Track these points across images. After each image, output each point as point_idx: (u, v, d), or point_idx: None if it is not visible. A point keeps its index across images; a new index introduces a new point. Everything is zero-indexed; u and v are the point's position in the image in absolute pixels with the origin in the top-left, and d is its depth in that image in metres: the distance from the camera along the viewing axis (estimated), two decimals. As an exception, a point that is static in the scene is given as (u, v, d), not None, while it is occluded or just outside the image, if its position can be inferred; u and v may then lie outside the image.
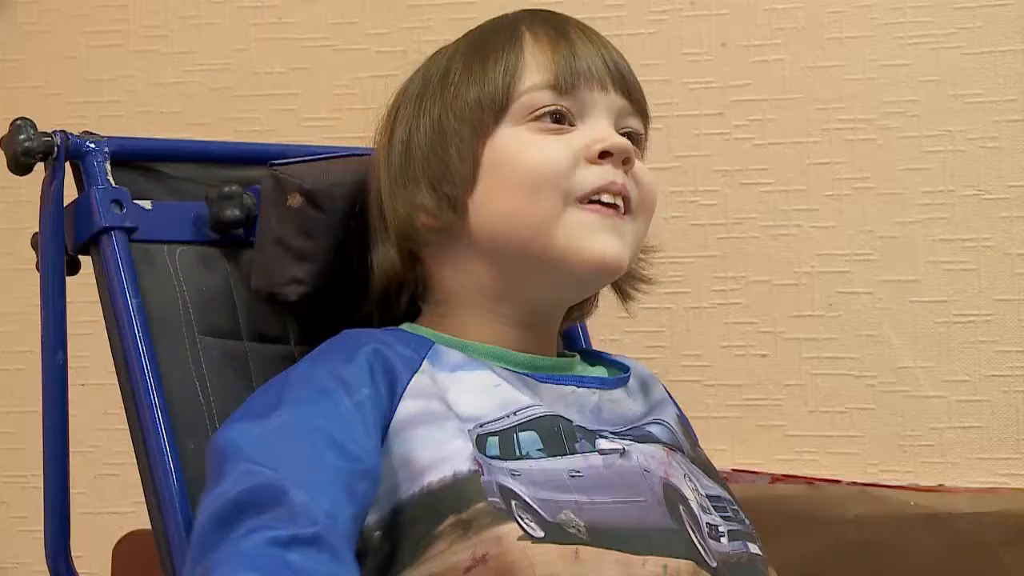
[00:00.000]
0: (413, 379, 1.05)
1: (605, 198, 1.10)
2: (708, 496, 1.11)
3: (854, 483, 1.71)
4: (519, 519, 0.97)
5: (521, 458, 1.03)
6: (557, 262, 1.10)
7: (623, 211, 1.11)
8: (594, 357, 1.21)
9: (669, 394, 1.22)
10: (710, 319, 1.78)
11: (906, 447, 1.74)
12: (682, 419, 1.20)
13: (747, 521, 1.12)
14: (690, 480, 1.10)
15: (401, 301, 1.16)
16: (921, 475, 1.73)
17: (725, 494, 1.14)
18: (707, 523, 1.07)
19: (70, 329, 1.20)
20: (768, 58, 1.77)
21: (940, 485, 1.71)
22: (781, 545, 1.28)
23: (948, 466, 1.73)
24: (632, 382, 1.17)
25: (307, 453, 0.98)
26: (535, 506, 0.99)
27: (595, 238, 1.09)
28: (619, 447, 1.07)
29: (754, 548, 1.10)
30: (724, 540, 1.07)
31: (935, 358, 1.73)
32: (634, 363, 1.20)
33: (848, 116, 1.75)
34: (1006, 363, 1.72)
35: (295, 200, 1.17)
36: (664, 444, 1.12)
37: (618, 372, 1.18)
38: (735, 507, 1.13)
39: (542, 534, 0.97)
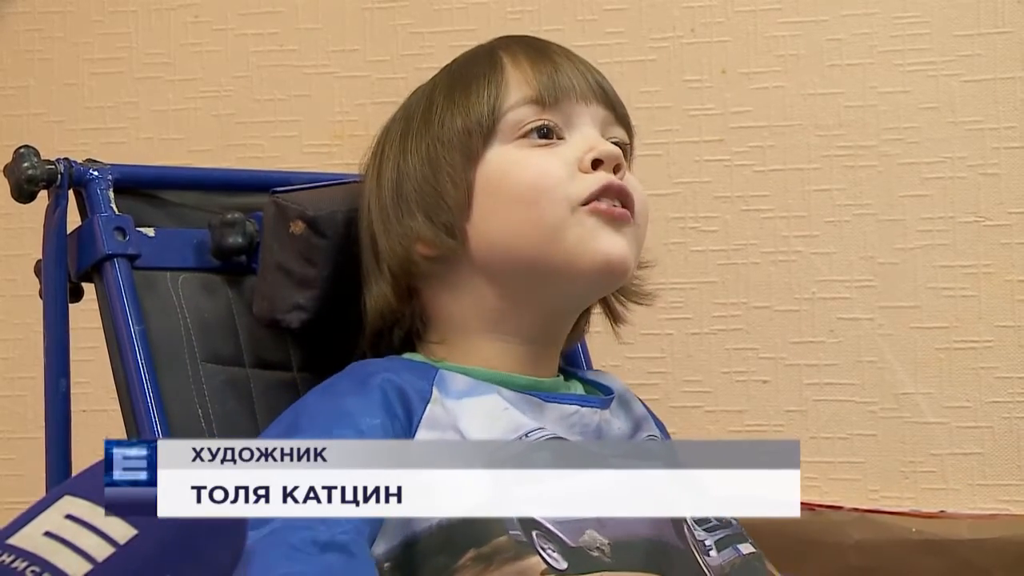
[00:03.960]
0: (427, 409, 1.05)
1: (605, 203, 1.10)
2: None
3: (855, 509, 1.71)
4: (541, 551, 0.97)
5: None
6: (565, 266, 1.09)
7: (624, 208, 1.11)
8: (571, 375, 1.21)
9: (647, 408, 1.22)
10: (711, 345, 1.78)
11: (907, 473, 1.74)
12: (664, 436, 1.21)
13: (733, 522, 1.11)
14: None
15: (394, 338, 1.16)
16: (922, 501, 1.73)
17: None
18: (699, 539, 1.07)
19: (70, 355, 1.21)
20: (768, 85, 1.77)
21: (941, 511, 1.71)
22: (782, 571, 1.28)
23: (949, 492, 1.73)
24: (615, 401, 1.17)
25: None
26: (556, 531, 0.99)
27: (602, 237, 1.09)
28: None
29: (745, 548, 1.10)
30: (713, 553, 1.07)
31: (936, 384, 1.73)
32: (611, 379, 1.20)
33: (848, 143, 1.75)
34: (1007, 389, 1.72)
35: (297, 227, 1.18)
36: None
37: (596, 391, 1.18)
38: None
39: (565, 565, 0.97)
